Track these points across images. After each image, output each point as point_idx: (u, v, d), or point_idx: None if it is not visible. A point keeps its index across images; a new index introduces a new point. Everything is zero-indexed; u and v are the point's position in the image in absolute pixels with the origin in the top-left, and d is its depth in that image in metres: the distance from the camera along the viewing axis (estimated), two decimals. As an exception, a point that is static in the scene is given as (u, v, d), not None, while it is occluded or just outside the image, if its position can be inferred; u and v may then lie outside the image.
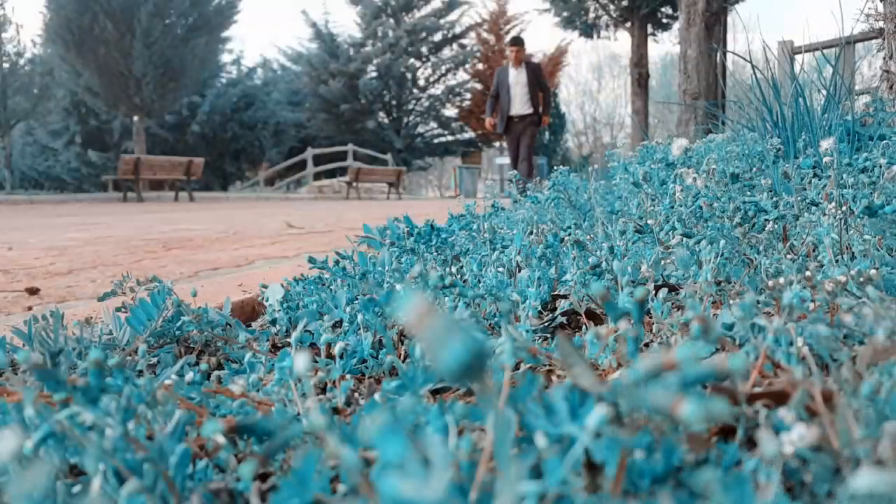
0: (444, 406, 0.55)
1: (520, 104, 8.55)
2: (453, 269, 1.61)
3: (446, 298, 1.25)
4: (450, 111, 30.33)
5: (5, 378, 1.06)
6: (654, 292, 1.08)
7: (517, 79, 8.53)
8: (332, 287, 1.61)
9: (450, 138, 30.54)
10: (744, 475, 0.45)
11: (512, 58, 8.59)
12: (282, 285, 1.69)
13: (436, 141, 30.64)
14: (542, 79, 8.69)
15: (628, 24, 17.62)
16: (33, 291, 2.45)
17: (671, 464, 0.48)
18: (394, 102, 29.44)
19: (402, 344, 1.25)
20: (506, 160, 11.05)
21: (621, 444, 0.45)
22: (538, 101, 8.56)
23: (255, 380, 0.92)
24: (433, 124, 30.67)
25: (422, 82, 29.98)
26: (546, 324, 1.32)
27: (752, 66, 2.90)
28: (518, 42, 8.74)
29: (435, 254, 1.99)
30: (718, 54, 7.99)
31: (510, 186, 2.59)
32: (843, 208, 1.29)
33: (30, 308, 2.19)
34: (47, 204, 14.66)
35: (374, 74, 28.75)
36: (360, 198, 19.03)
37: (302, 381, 0.83)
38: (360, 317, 1.21)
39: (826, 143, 1.44)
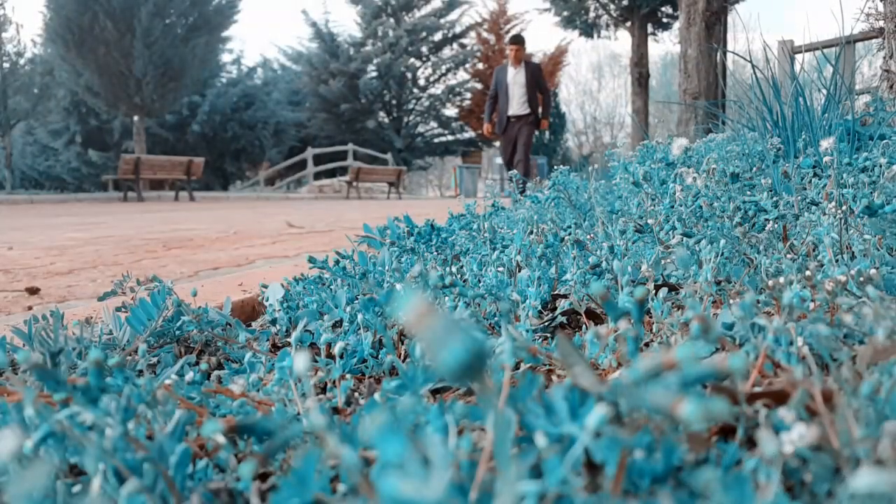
0: (444, 406, 0.55)
1: (517, 104, 8.35)
2: (453, 269, 1.61)
3: (446, 298, 1.25)
4: (450, 111, 30.35)
5: (5, 378, 1.06)
6: (654, 292, 1.08)
7: (515, 78, 8.34)
8: (332, 287, 1.61)
9: (450, 138, 30.54)
10: (744, 475, 0.45)
11: (511, 56, 8.39)
12: (282, 285, 1.69)
13: (436, 140, 30.63)
14: (541, 80, 8.50)
15: (628, 24, 17.60)
16: (33, 291, 2.45)
17: (671, 463, 0.48)
18: (394, 102, 29.43)
19: (403, 344, 1.24)
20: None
21: (621, 443, 0.45)
22: (536, 102, 8.36)
23: (256, 379, 0.92)
24: (433, 124, 30.66)
25: (422, 82, 29.97)
26: (546, 323, 1.31)
27: (753, 66, 2.90)
28: (518, 40, 8.53)
29: (435, 253, 1.99)
30: (719, 54, 7.98)
31: (510, 186, 2.59)
32: (844, 208, 1.28)
33: (30, 308, 2.19)
34: (48, 203, 14.67)
35: (374, 74, 28.74)
36: (361, 197, 19.03)
37: (302, 381, 0.83)
38: (360, 316, 1.20)
39: (826, 143, 1.44)
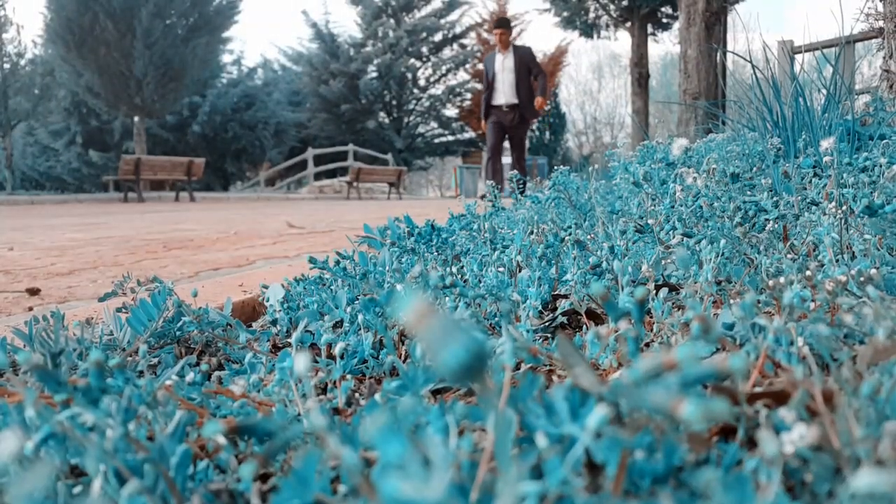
0: (444, 406, 0.55)
1: (507, 92, 7.88)
2: (454, 269, 1.61)
3: (447, 298, 1.25)
4: (450, 111, 30.36)
5: (6, 379, 1.06)
6: (654, 292, 1.08)
7: (504, 64, 7.88)
8: (332, 287, 1.61)
9: (450, 138, 30.54)
10: (744, 475, 0.45)
11: (497, 41, 7.95)
12: (282, 285, 1.69)
13: (436, 141, 30.64)
14: (533, 64, 7.96)
15: (628, 24, 17.61)
16: (34, 292, 2.46)
17: (672, 464, 0.48)
18: (394, 102, 29.45)
19: (403, 344, 1.25)
20: (507, 159, 10.09)
21: (622, 444, 0.45)
22: (527, 90, 7.84)
23: (256, 380, 0.92)
24: (434, 124, 30.67)
25: (422, 82, 29.98)
26: (547, 324, 1.31)
27: (753, 66, 2.90)
28: (503, 24, 8.06)
29: (435, 254, 1.99)
30: (718, 54, 7.98)
31: (510, 185, 2.59)
32: (844, 208, 1.28)
33: (31, 308, 2.19)
34: (48, 204, 14.68)
35: (374, 74, 28.75)
36: (361, 198, 19.04)
37: (302, 382, 0.83)
38: (360, 317, 1.21)
39: (826, 143, 1.44)
